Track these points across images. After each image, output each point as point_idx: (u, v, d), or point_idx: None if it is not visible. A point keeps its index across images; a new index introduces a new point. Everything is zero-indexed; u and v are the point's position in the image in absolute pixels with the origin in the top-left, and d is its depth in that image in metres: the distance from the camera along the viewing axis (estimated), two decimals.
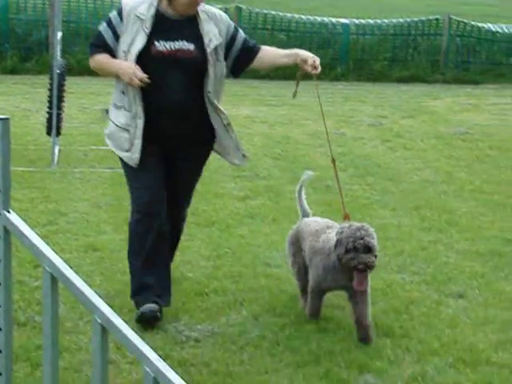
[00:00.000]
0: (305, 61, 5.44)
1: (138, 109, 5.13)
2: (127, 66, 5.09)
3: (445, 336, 5.02)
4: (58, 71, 9.05)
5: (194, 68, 5.21)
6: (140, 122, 5.16)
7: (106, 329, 2.48)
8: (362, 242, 4.81)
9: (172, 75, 5.20)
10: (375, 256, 4.87)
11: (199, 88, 5.24)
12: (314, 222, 5.54)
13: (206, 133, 5.37)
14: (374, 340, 4.90)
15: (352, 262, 4.80)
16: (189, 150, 5.40)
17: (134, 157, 5.20)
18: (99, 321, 2.48)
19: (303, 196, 5.78)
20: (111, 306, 5.06)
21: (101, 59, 5.28)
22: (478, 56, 20.23)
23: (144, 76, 4.98)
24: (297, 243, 5.48)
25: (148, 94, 5.13)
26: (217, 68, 5.27)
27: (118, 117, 5.29)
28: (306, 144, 10.94)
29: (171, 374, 2.26)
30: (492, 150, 11.14)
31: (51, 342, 2.71)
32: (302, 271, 5.43)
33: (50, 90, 9.17)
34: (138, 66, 5.03)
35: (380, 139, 11.55)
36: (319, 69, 5.56)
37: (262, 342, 4.82)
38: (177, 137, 5.30)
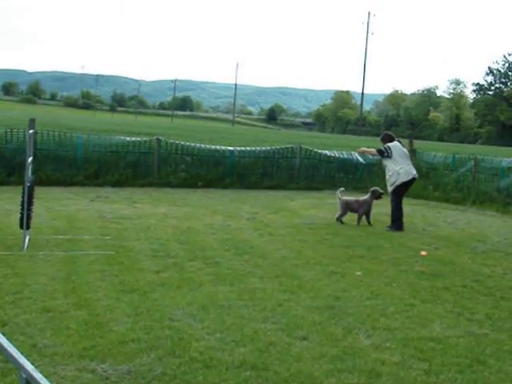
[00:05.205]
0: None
1: None
2: None
3: (292, 367, 4.85)
4: (28, 184, 8.73)
5: None
6: None
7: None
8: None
9: None
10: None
11: None
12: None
13: None
14: (243, 373, 4.71)
15: None
16: None
17: None
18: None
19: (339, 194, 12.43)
20: (56, 354, 4.78)
21: None
22: (320, 172, 20.60)
23: None
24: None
25: None
26: None
27: None
28: (202, 232, 10.75)
29: None
30: (328, 235, 11.18)
31: None
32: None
33: (23, 196, 8.81)
34: None
35: (253, 228, 11.47)
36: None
37: (163, 377, 4.54)
38: None
